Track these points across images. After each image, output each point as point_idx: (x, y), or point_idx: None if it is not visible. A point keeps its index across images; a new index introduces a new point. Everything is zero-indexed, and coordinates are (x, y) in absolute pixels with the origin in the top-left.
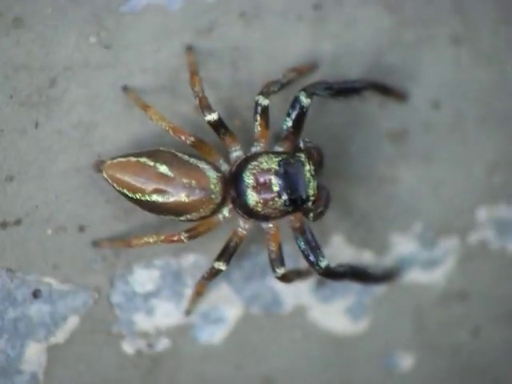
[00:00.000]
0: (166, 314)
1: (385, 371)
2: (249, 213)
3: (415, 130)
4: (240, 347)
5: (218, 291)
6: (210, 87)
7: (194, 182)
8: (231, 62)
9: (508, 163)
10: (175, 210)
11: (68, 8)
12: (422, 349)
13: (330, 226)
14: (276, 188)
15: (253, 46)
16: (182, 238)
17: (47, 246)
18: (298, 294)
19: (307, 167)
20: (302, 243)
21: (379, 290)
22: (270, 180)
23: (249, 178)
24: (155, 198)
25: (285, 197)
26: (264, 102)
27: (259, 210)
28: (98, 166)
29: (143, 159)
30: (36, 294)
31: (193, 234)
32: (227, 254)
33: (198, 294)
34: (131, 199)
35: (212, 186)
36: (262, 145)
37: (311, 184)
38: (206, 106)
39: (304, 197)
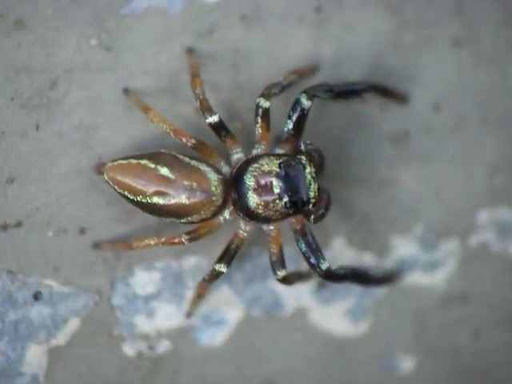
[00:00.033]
0: (167, 316)
1: (385, 373)
2: (250, 215)
3: (416, 132)
4: (241, 349)
5: (219, 293)
6: (210, 89)
7: (194, 184)
8: (232, 64)
9: (509, 165)
10: (176, 212)
11: (69, 10)
12: (423, 351)
13: (330, 228)
14: (277, 190)
15: (254, 48)
16: (183, 240)
17: (48, 248)
18: (299, 296)
19: (308, 169)
20: (303, 245)
21: (380, 292)
22: (270, 182)
23: (250, 180)
24: (156, 200)
25: (286, 199)
26: (265, 104)
27: (260, 212)
28: (99, 168)
29: (144, 161)
30: (37, 296)
31: (194, 236)
32: (228, 256)
33: (199, 296)
34: (132, 201)
35: (213, 188)
36: (262, 147)
37: (312, 186)
38: (206, 108)
39: (305, 199)
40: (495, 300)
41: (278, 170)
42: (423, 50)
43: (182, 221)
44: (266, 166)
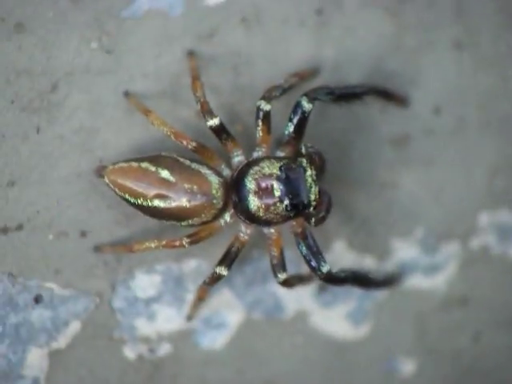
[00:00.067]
0: (168, 319)
1: (386, 376)
2: (250, 218)
3: (416, 135)
4: (242, 352)
5: (220, 296)
6: (211, 92)
7: (195, 187)
8: (233, 67)
9: (510, 168)
10: (177, 215)
11: (69, 13)
12: (424, 354)
13: (331, 231)
14: (278, 193)
15: (254, 51)
16: (184, 243)
17: (49, 251)
18: (300, 299)
19: (309, 172)
20: (304, 248)
21: (380, 295)
22: (271, 185)
23: (250, 183)
24: (157, 203)
25: (286, 202)
26: (266, 107)
27: (261, 215)
28: (100, 172)
29: (145, 164)
30: (37, 299)
31: (194, 239)
32: (229, 259)
33: (200, 299)
34: (133, 204)
35: (214, 191)
36: (263, 150)
37: (313, 189)
38: (207, 111)
39: (306, 202)
40: (496, 303)
41: (278, 172)
42: (424, 53)
43: (183, 224)
44: (266, 169)
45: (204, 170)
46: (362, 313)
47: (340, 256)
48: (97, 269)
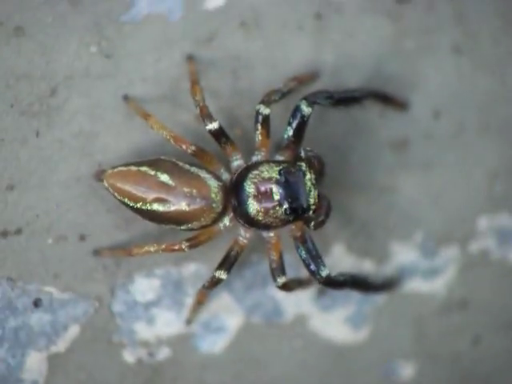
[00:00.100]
0: (167, 323)
1: (385, 380)
2: (250, 222)
3: (416, 139)
4: (241, 356)
5: (219, 300)
6: (210, 96)
7: (194, 191)
8: (232, 71)
9: (509, 172)
10: (176, 219)
11: (68, 17)
12: (423, 358)
13: (330, 235)
14: (277, 197)
15: (253, 55)
16: (183, 246)
17: (48, 255)
18: (299, 303)
19: (308, 176)
20: (303, 252)
21: (380, 299)
22: (270, 189)
23: (250, 187)
24: (156, 207)
25: (286, 206)
26: (265, 111)
27: (260, 218)
28: (99, 176)
29: (144, 168)
30: (37, 303)
31: (193, 243)
32: (228, 262)
33: (199, 303)
34: (132, 208)
35: (213, 195)
36: (262, 154)
37: (312, 193)
38: (206, 115)
39: (305, 206)
40: (495, 306)
41: (278, 176)
42: (423, 57)
43: (182, 228)
44: (266, 173)
45: (203, 174)
46: (361, 317)
47: (339, 260)
48: (96, 273)
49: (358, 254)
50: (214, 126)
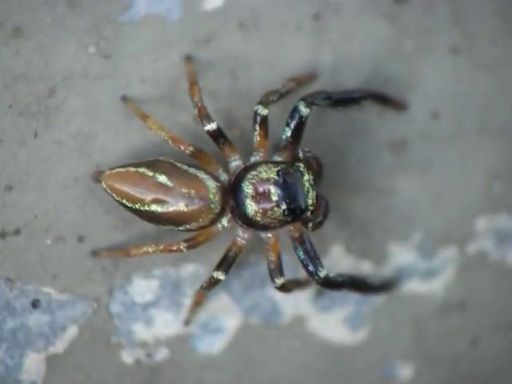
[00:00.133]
0: (165, 323)
1: (383, 381)
2: (248, 222)
3: (414, 140)
4: (239, 357)
5: (217, 301)
6: (209, 97)
7: (193, 191)
8: (230, 71)
9: (508, 173)
10: (174, 220)
11: (67, 18)
12: (421, 359)
13: (328, 235)
14: (275, 198)
15: (252, 55)
16: (181, 247)
17: (46, 256)
18: (297, 304)
19: (306, 177)
20: (301, 253)
21: (378, 300)
22: (268, 190)
23: (248, 188)
24: (154, 207)
25: (284, 206)
26: (263, 111)
27: (258, 219)
28: (97, 176)
29: (142, 169)
30: (35, 304)
31: (192, 244)
32: (226, 263)
33: (197, 303)
34: (130, 209)
35: (211, 196)
36: (261, 154)
37: (310, 194)
38: (205, 116)
39: (303, 206)
40: (493, 308)
41: (276, 177)
42: (422, 58)
43: (181, 228)
44: (264, 174)
45: (201, 175)
46: (359, 317)
47: (337, 261)
48: (94, 273)
49: (357, 254)
50: (212, 126)
